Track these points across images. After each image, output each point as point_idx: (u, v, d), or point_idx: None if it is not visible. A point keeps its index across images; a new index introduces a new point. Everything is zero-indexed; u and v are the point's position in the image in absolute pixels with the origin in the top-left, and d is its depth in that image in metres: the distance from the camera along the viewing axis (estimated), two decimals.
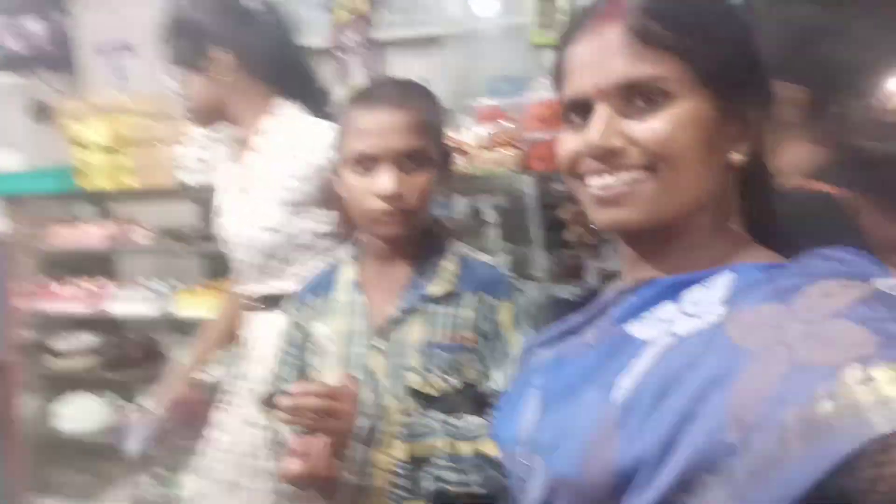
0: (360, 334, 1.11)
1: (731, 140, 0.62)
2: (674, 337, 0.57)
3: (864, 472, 0.43)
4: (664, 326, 0.59)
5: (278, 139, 1.45)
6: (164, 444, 1.67)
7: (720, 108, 0.61)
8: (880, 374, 0.43)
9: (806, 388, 0.45)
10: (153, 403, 1.68)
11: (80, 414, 2.70)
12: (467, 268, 1.13)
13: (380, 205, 1.04)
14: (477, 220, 2.21)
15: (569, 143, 0.66)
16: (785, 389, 0.46)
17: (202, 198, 2.65)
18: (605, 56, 0.62)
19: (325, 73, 3.44)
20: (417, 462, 1.00)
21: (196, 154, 2.31)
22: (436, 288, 1.09)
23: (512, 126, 2.12)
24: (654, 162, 0.60)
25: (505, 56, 3.20)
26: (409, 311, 1.09)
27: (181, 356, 2.44)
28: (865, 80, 0.84)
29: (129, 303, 2.54)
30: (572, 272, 2.05)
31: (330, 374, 1.11)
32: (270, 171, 1.44)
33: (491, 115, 2.19)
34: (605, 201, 0.63)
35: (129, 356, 2.64)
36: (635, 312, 0.63)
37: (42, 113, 3.23)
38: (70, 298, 2.65)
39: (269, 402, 1.23)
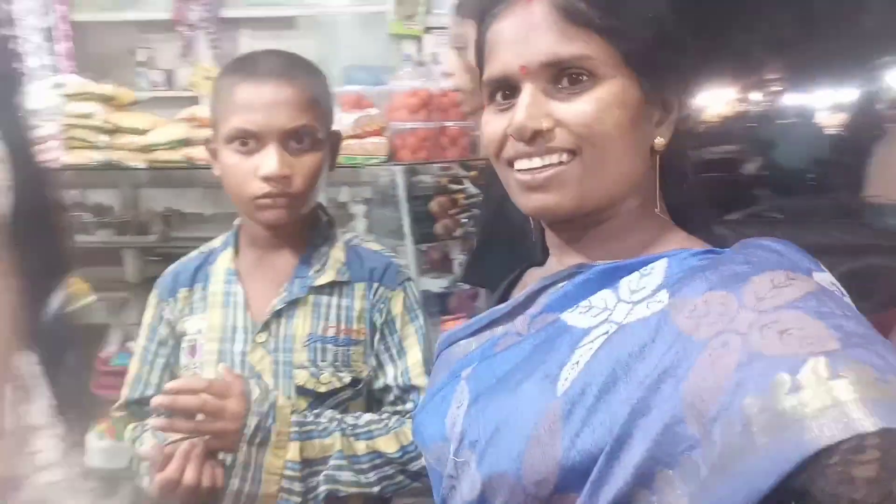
0: (240, 329, 1.02)
1: (655, 124, 0.62)
2: (615, 325, 0.56)
3: (833, 469, 0.41)
4: (603, 315, 0.57)
5: None
6: None
7: (645, 90, 0.60)
8: (850, 372, 0.42)
9: (765, 378, 0.44)
10: None
11: None
12: (355, 256, 1.07)
13: (263, 188, 0.94)
14: (343, 211, 2.14)
15: (494, 124, 0.64)
16: (743, 378, 0.45)
17: None
18: (531, 34, 0.59)
19: (168, 48, 3.20)
20: (310, 463, 0.93)
21: None
22: (322, 277, 1.02)
23: (377, 114, 2.07)
24: (580, 145, 0.59)
25: (362, 44, 3.15)
26: (293, 303, 1.01)
27: None
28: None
29: None
30: (440, 265, 2.05)
31: (208, 375, 1.01)
32: None
33: (355, 103, 2.12)
34: (532, 186, 0.61)
35: None
36: (570, 301, 0.61)
37: None
38: None
39: (132, 409, 1.10)
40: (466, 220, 2.14)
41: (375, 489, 0.97)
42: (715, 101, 3.04)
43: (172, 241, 2.11)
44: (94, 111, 1.99)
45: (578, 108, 0.59)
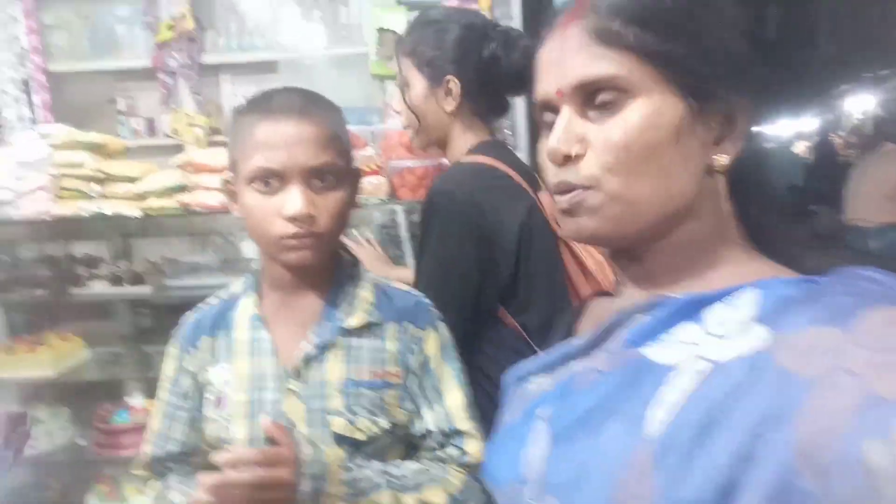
0: (270, 376, 0.97)
1: (713, 141, 0.59)
2: (706, 361, 0.52)
3: None
4: (689, 349, 0.54)
5: None
6: None
7: (693, 106, 0.57)
8: None
9: (887, 424, 0.40)
10: None
11: None
12: (384, 296, 1.03)
13: (288, 228, 0.91)
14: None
15: (542, 148, 0.64)
16: (861, 423, 0.41)
17: (5, 236, 2.28)
18: (565, 57, 0.60)
19: (149, 95, 3.17)
20: None
21: (4, 183, 1.97)
22: (354, 319, 0.99)
23: (374, 153, 2.06)
24: (601, 174, 0.58)
25: (345, 86, 3.15)
26: (325, 347, 0.97)
27: None
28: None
29: None
30: None
31: (238, 427, 0.96)
32: None
33: (353, 142, 2.11)
34: (565, 210, 0.61)
35: None
36: (651, 334, 0.57)
37: None
38: None
39: (155, 468, 1.04)
40: None
41: None
42: None
43: (168, 290, 2.05)
44: (83, 160, 1.95)
45: (607, 133, 0.58)
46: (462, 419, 0.99)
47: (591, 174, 0.58)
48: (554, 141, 0.59)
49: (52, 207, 1.95)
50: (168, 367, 1.05)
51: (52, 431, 2.02)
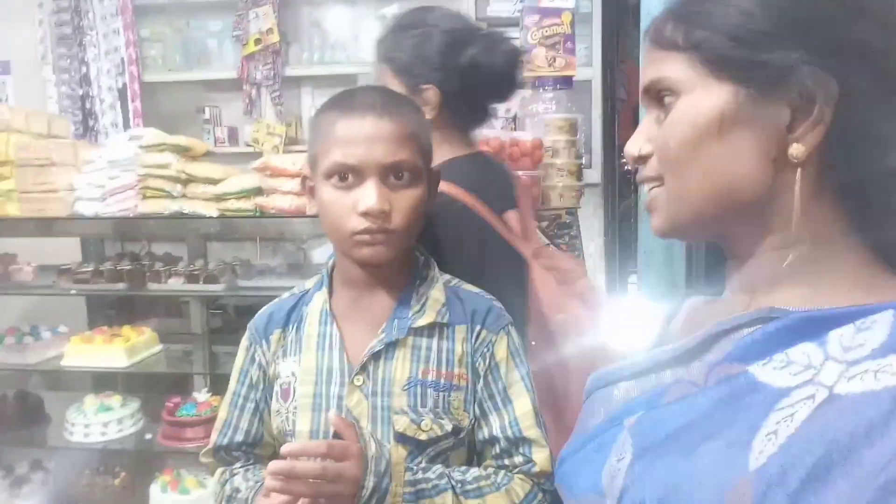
0: (336, 371, 0.97)
1: (786, 130, 0.53)
2: (824, 389, 0.46)
3: None
4: (806, 374, 0.48)
5: None
6: None
7: (752, 98, 0.53)
8: None
9: None
10: None
11: None
12: (455, 297, 1.02)
13: (361, 223, 0.91)
14: None
15: None
16: None
17: (94, 231, 2.39)
18: (641, 67, 0.63)
19: (234, 106, 3.30)
20: None
21: (96, 181, 2.06)
22: (423, 318, 0.97)
23: None
24: (662, 171, 0.59)
25: None
26: (392, 345, 0.96)
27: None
28: None
29: (5, 351, 2.17)
30: None
31: (302, 420, 0.96)
32: None
33: None
34: (648, 208, 0.63)
35: (4, 414, 2.23)
36: (761, 351, 0.51)
37: None
38: None
39: (220, 456, 1.05)
40: None
41: None
42: None
43: (239, 290, 2.10)
44: (170, 161, 2.02)
45: (662, 132, 0.59)
46: (529, 427, 0.96)
47: (655, 172, 0.60)
48: (629, 143, 0.62)
49: (138, 205, 2.03)
50: (239, 359, 1.06)
51: (122, 420, 2.08)
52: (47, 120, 2.33)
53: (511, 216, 1.23)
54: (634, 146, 0.62)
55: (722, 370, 0.53)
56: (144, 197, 2.04)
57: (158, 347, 2.25)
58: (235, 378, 1.06)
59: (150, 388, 2.31)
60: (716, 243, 0.63)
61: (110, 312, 2.57)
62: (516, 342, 1.02)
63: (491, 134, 2.02)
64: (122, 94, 3.23)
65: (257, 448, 1.05)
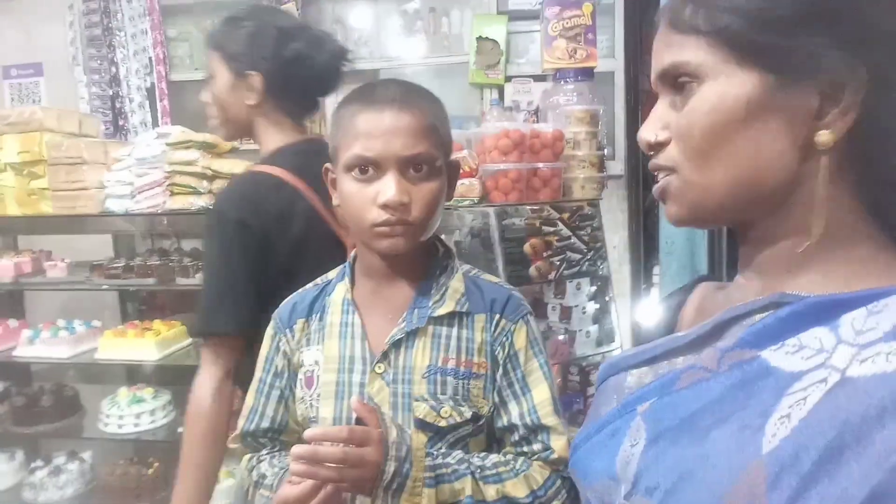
0: (358, 359, 0.99)
1: (812, 115, 0.52)
2: (836, 372, 0.46)
3: None
4: (818, 357, 0.48)
5: None
6: None
7: (780, 84, 0.52)
8: None
9: None
10: None
11: None
12: (474, 287, 1.03)
13: (381, 215, 0.93)
14: None
15: None
16: None
17: (124, 228, 2.44)
18: (657, 46, 0.60)
19: None
20: None
21: (125, 178, 2.11)
22: (442, 307, 0.99)
23: (470, 155, 2.07)
24: (677, 161, 0.58)
25: (444, 94, 3.20)
26: (412, 333, 0.98)
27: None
28: None
29: (41, 345, 2.24)
30: (533, 308, 1.99)
31: (325, 407, 0.98)
32: None
33: None
34: (659, 195, 0.61)
35: (41, 406, 2.31)
36: (773, 336, 0.51)
37: None
38: None
39: (247, 442, 1.08)
40: (560, 263, 2.09)
41: None
42: None
43: None
44: (195, 158, 2.06)
45: (682, 120, 0.57)
46: (548, 414, 0.97)
47: (671, 160, 0.59)
48: (642, 129, 0.60)
49: (166, 202, 2.07)
50: (265, 348, 1.09)
51: (154, 411, 2.13)
52: (78, 119, 2.39)
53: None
54: (650, 132, 0.60)
55: (734, 356, 0.54)
56: (172, 193, 2.08)
57: (188, 341, 2.30)
58: (261, 366, 1.08)
59: (181, 380, 2.36)
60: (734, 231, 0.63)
61: (141, 307, 2.63)
62: (535, 331, 1.03)
63: (511, 126, 2.03)
64: (150, 93, 3.29)
65: (283, 434, 1.07)
